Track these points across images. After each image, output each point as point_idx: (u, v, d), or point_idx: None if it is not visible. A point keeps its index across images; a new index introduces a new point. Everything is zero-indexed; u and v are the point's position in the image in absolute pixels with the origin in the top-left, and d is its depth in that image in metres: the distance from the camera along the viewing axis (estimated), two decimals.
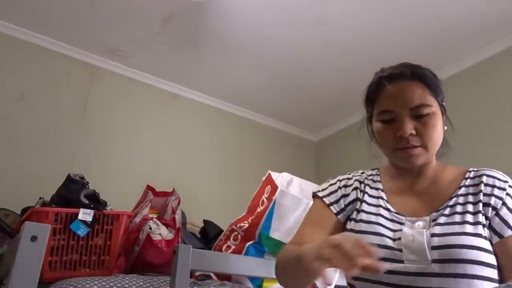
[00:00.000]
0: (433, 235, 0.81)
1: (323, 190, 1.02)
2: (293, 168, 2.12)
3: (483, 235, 0.80)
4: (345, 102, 2.97)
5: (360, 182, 1.00)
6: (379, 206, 0.93)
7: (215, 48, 2.54)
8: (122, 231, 1.42)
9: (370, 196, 0.97)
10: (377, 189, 0.97)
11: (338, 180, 1.03)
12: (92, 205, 1.40)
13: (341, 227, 0.96)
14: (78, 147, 2.43)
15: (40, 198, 1.68)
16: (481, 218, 0.82)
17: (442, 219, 0.84)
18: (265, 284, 1.47)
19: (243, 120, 3.23)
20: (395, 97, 0.89)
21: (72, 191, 1.45)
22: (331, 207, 0.97)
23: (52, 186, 1.53)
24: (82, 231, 1.31)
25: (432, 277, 0.78)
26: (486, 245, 0.79)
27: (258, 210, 1.58)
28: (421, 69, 0.93)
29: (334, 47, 2.49)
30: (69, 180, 1.49)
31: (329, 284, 0.66)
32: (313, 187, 1.67)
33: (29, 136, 2.30)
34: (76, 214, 1.31)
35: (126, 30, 2.40)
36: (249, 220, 1.57)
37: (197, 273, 1.43)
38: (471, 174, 0.89)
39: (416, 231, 0.83)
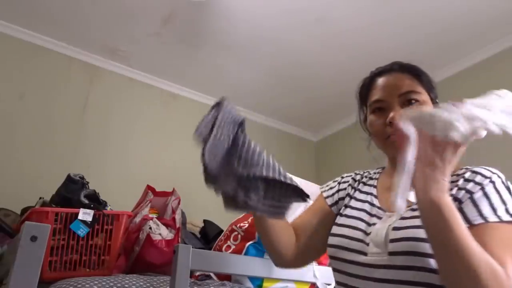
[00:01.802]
0: (394, 228, 0.83)
1: (326, 185, 1.12)
2: (293, 168, 2.11)
3: None
4: (345, 102, 2.96)
5: (355, 180, 1.07)
6: (366, 201, 0.97)
7: (215, 48, 2.54)
8: (122, 231, 1.42)
9: (362, 192, 1.01)
10: (370, 185, 1.02)
11: (341, 177, 1.11)
12: (92, 205, 1.40)
13: (333, 220, 1.01)
14: (78, 147, 2.43)
15: (40, 198, 1.69)
16: None
17: (408, 213, 0.84)
18: (265, 284, 1.47)
19: None
20: (384, 86, 0.94)
21: (72, 191, 1.45)
22: (327, 199, 1.07)
23: (52, 186, 1.53)
24: (82, 231, 1.31)
25: (386, 269, 0.80)
26: None
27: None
28: (412, 64, 0.97)
29: (334, 47, 2.49)
30: (69, 180, 1.50)
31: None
32: (313, 187, 1.67)
33: (29, 136, 2.30)
34: (76, 214, 1.31)
35: (126, 30, 2.40)
36: (249, 220, 1.57)
37: (197, 273, 1.43)
38: (461, 171, 0.87)
39: (382, 225, 0.86)
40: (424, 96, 0.92)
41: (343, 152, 3.21)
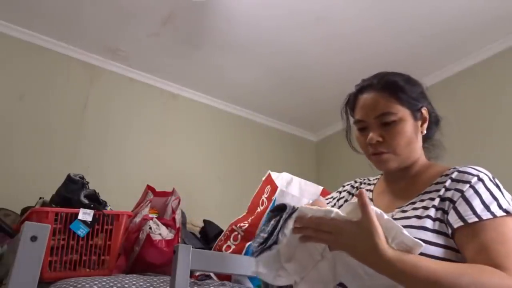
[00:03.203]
0: None
1: (330, 196, 1.15)
2: (293, 168, 2.12)
3: (430, 228, 0.80)
4: None
5: (353, 187, 1.11)
6: None
7: (215, 48, 2.54)
8: (122, 231, 1.42)
9: None
10: (368, 190, 1.05)
11: (343, 185, 1.15)
12: (92, 205, 1.40)
13: None
14: (78, 147, 2.43)
15: (40, 198, 1.69)
16: (433, 212, 0.82)
17: (398, 215, 0.87)
18: None
19: (243, 120, 3.23)
20: (363, 107, 0.97)
21: (72, 191, 1.45)
22: None
23: (52, 186, 1.53)
24: (82, 231, 1.31)
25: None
26: (431, 237, 0.79)
27: (258, 210, 1.58)
28: (392, 78, 0.97)
29: (334, 47, 2.49)
30: (69, 180, 1.50)
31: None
32: (313, 187, 1.67)
33: (29, 136, 2.30)
34: (76, 214, 1.31)
35: (126, 30, 2.40)
36: (249, 220, 1.57)
37: (197, 273, 1.43)
38: (449, 172, 0.89)
39: None
40: (401, 113, 0.93)
41: (343, 152, 3.19)
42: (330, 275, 0.81)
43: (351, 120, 1.05)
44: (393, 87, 0.94)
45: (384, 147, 0.92)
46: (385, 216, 0.73)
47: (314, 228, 0.75)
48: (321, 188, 1.67)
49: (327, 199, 1.16)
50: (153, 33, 2.41)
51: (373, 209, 0.72)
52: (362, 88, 0.99)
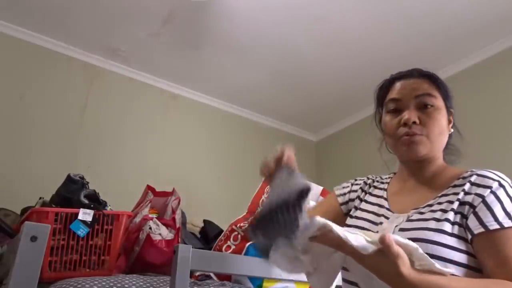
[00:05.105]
0: (400, 229, 0.84)
1: (340, 185, 1.15)
2: None
3: (449, 231, 0.79)
4: (345, 101, 2.97)
5: (366, 184, 1.10)
6: (376, 204, 0.99)
7: (215, 48, 2.54)
8: (122, 231, 1.42)
9: (373, 195, 1.03)
10: (381, 189, 1.04)
11: (355, 179, 1.14)
12: (92, 205, 1.40)
13: (342, 218, 1.05)
14: (78, 147, 2.43)
15: (40, 198, 1.68)
16: (452, 216, 0.81)
17: (415, 216, 0.86)
18: (265, 284, 1.47)
19: (243, 120, 3.23)
20: (402, 87, 0.96)
21: (72, 191, 1.45)
22: (339, 198, 1.10)
23: (52, 186, 1.53)
24: (82, 231, 1.31)
25: None
26: (451, 241, 0.78)
27: (258, 210, 1.58)
28: (431, 72, 0.99)
29: (334, 46, 2.49)
30: (69, 180, 1.50)
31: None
32: (312, 187, 1.67)
33: (29, 136, 2.30)
34: (76, 214, 1.31)
35: (126, 30, 2.40)
36: (249, 220, 1.57)
37: (197, 273, 1.43)
38: (466, 174, 0.88)
39: (389, 225, 0.88)
40: (439, 102, 0.93)
41: (343, 152, 3.21)
42: (342, 265, 0.80)
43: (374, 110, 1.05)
44: (434, 77, 0.96)
45: (418, 129, 0.90)
46: (414, 245, 0.71)
47: (336, 245, 0.72)
48: (321, 188, 1.67)
49: (336, 187, 1.14)
50: (153, 33, 2.41)
51: (406, 243, 0.69)
52: (400, 76, 0.99)
